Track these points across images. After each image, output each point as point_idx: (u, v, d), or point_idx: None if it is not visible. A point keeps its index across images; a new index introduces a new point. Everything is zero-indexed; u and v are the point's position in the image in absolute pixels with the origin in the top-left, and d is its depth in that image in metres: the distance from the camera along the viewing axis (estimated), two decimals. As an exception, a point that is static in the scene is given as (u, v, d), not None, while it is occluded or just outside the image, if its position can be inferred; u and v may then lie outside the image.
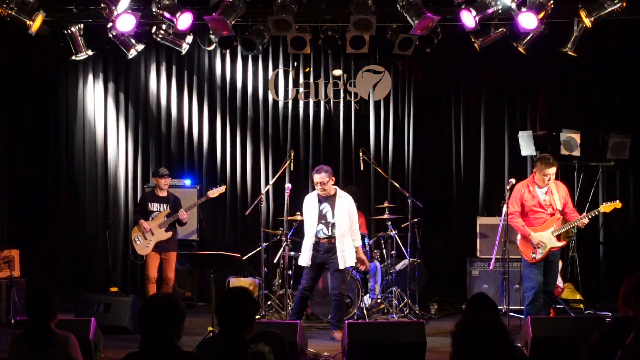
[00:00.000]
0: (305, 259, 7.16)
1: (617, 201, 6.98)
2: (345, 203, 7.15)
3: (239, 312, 3.60)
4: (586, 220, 6.89)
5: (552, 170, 6.84)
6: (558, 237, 6.88)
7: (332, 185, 7.18)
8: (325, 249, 7.08)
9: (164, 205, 8.14)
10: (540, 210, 6.92)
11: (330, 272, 7.15)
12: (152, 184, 8.52)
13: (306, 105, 9.51)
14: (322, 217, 7.09)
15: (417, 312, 8.16)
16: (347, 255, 7.05)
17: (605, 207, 6.93)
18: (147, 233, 7.97)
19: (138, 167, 9.59)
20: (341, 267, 7.02)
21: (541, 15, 7.42)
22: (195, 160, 9.57)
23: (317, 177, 7.07)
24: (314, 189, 7.31)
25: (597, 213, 6.95)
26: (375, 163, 8.40)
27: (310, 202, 7.19)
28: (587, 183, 8.86)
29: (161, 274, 8.07)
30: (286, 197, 7.45)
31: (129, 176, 9.59)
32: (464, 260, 8.84)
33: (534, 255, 6.85)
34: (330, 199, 7.12)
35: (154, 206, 8.14)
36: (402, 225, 8.41)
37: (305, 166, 9.35)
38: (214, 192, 8.11)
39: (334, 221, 7.07)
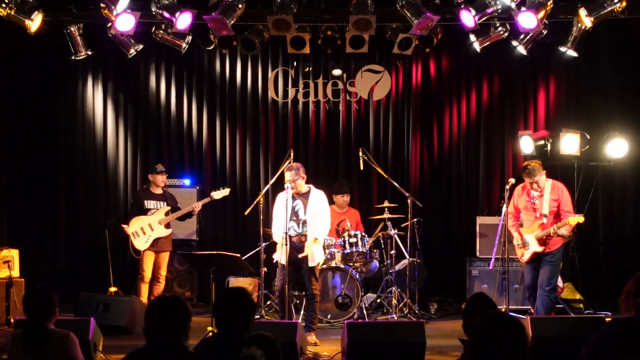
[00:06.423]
0: (278, 254, 7.00)
1: (581, 216, 6.87)
2: (318, 201, 7.06)
3: (237, 313, 3.59)
4: (560, 230, 6.79)
5: (529, 180, 6.91)
6: (542, 242, 6.90)
7: (306, 183, 7.11)
8: (296, 247, 6.95)
9: (161, 202, 8.11)
10: (529, 213, 7.07)
11: (303, 271, 6.99)
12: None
13: (306, 105, 9.50)
14: (294, 214, 6.99)
15: (416, 311, 8.15)
16: (315, 253, 6.93)
17: (572, 220, 6.81)
18: (146, 228, 7.94)
19: (138, 167, 9.59)
20: (310, 265, 6.90)
21: (541, 14, 7.42)
22: (195, 160, 9.57)
23: (287, 175, 7.02)
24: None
25: (564, 225, 6.83)
26: (375, 163, 8.39)
27: (282, 199, 7.03)
28: (586, 183, 8.84)
29: (154, 271, 8.06)
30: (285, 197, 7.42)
31: (128, 176, 9.60)
32: (463, 260, 8.84)
33: (520, 256, 7.13)
34: (303, 196, 7.04)
35: (150, 204, 8.10)
36: (402, 225, 8.39)
37: (304, 166, 9.30)
38: (217, 194, 7.99)
39: (305, 218, 6.99)
